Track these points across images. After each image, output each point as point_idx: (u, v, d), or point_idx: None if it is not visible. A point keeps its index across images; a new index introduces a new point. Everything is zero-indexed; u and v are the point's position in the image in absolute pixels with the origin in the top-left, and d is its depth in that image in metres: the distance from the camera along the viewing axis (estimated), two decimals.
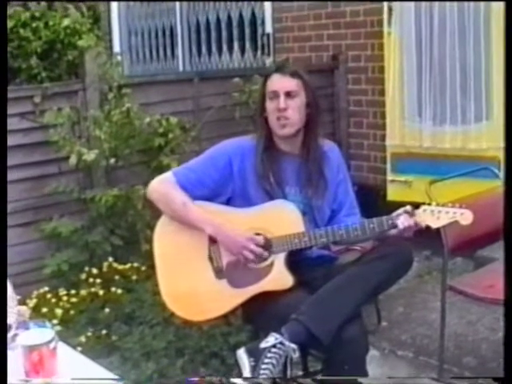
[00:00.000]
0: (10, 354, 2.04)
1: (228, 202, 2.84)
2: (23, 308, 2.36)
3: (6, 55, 2.81)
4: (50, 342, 1.97)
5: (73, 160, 4.07)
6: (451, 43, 4.75)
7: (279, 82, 2.78)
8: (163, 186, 2.84)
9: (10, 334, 2.16)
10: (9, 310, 2.22)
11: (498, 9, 4.33)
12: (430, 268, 4.79)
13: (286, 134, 2.79)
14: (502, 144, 3.80)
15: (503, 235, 2.02)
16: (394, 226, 2.66)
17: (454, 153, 4.77)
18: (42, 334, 2.02)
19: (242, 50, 6.75)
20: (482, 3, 4.58)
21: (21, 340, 2.02)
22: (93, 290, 3.88)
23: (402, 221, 2.65)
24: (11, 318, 2.22)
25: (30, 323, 2.24)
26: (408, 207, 2.70)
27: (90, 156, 4.04)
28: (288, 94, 2.76)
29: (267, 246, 2.72)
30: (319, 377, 2.75)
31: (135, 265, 4.10)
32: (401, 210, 2.70)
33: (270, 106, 2.79)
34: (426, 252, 4.90)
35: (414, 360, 3.69)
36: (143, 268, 4.05)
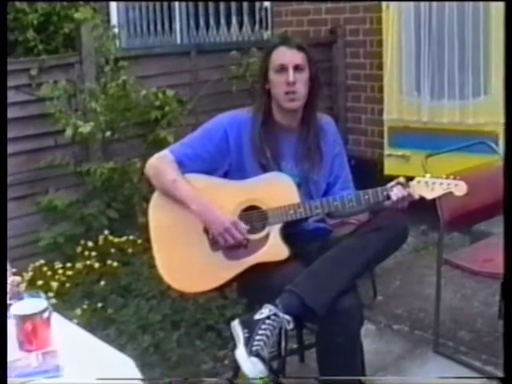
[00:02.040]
0: None
1: (225, 176, 2.82)
2: (17, 278, 2.35)
3: (5, 46, 2.78)
4: (43, 311, 1.96)
5: (68, 132, 4.07)
6: (450, 17, 4.71)
7: (287, 56, 2.75)
8: (158, 164, 2.83)
9: None
10: None
11: None
12: (427, 243, 4.80)
13: (294, 107, 2.77)
14: (500, 119, 3.80)
15: (503, 208, 2.00)
16: (389, 198, 2.65)
17: (451, 127, 4.75)
18: (35, 304, 2.01)
19: (240, 23, 6.70)
20: None
21: (14, 310, 2.01)
22: (88, 262, 3.89)
23: (396, 192, 2.65)
24: None
25: (24, 294, 2.23)
26: (401, 178, 2.69)
27: (86, 128, 4.03)
28: (296, 68, 2.74)
29: (262, 218, 2.71)
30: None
31: (131, 238, 4.11)
32: (394, 182, 2.69)
33: (277, 79, 2.75)
34: (423, 227, 4.90)
35: (410, 334, 3.69)
36: (139, 241, 4.06)
